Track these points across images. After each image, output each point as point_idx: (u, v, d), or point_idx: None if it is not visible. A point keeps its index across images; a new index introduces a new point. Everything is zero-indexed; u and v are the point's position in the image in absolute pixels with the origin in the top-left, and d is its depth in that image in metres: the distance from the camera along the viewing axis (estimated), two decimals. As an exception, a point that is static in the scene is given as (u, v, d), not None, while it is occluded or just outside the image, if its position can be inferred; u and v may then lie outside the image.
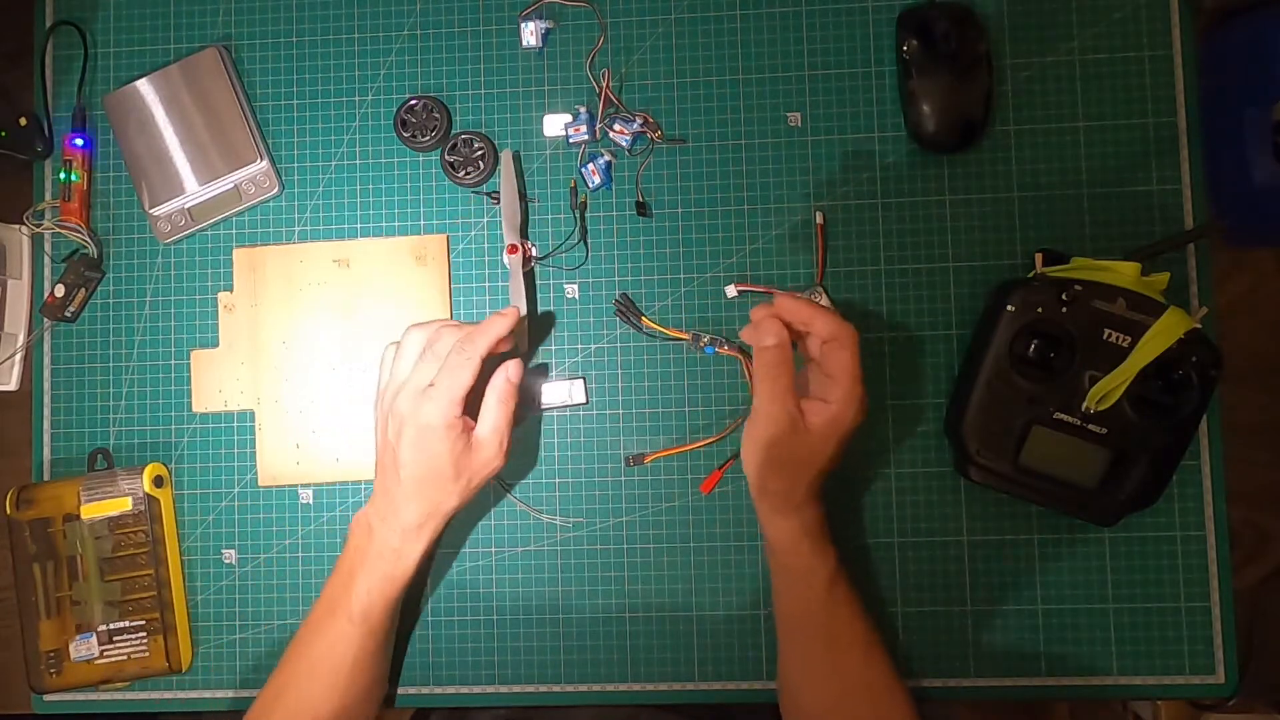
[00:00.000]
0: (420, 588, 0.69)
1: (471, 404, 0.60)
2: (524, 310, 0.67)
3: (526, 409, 0.69)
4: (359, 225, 0.72)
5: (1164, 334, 0.59)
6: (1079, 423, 0.61)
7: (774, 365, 0.57)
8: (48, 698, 0.71)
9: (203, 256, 0.73)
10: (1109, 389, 0.60)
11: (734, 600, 0.68)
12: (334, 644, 0.62)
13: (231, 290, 0.72)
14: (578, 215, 0.70)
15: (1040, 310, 0.61)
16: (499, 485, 0.70)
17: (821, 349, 0.58)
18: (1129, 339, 0.60)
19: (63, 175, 0.71)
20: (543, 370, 0.70)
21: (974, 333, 0.66)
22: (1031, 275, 0.64)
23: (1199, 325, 0.60)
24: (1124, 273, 0.62)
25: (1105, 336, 0.60)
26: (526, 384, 0.68)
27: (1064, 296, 0.61)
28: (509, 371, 0.61)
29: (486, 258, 0.71)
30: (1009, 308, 0.62)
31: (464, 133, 0.70)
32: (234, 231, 0.73)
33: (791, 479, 0.59)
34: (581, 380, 0.69)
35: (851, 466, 0.68)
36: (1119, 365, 0.60)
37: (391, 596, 0.62)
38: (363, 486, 0.70)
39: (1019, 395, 0.62)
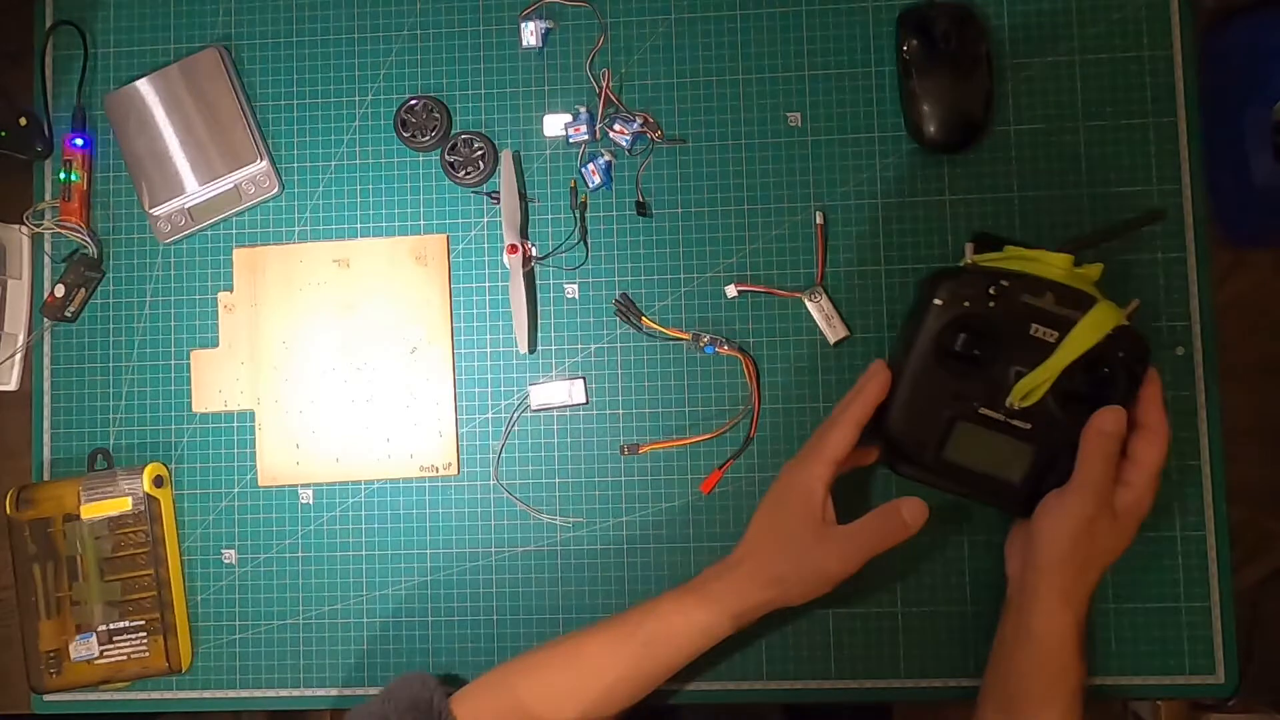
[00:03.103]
0: (420, 587, 0.70)
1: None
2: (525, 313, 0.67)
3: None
4: (359, 225, 0.72)
5: (1091, 329, 0.57)
6: (1004, 419, 0.60)
7: (1114, 453, 0.57)
8: (48, 698, 0.71)
9: (203, 256, 0.73)
10: (1033, 385, 0.58)
11: (734, 600, 0.68)
12: (689, 628, 0.60)
13: (231, 290, 0.72)
14: (578, 215, 0.70)
15: (967, 304, 0.59)
16: (499, 487, 0.70)
17: (1138, 433, 0.58)
18: (1056, 334, 0.58)
19: (63, 175, 0.71)
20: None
21: (902, 324, 0.65)
22: (962, 264, 0.62)
23: (1128, 321, 0.58)
24: (1055, 264, 0.60)
25: (1032, 331, 0.59)
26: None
27: (991, 290, 0.59)
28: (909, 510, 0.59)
29: (486, 258, 0.71)
30: (936, 301, 0.60)
31: (464, 133, 0.70)
32: (234, 231, 0.73)
33: (1096, 567, 0.59)
34: (581, 380, 0.69)
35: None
36: (1044, 361, 0.59)
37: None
38: (362, 486, 0.70)
39: (944, 390, 0.60)
